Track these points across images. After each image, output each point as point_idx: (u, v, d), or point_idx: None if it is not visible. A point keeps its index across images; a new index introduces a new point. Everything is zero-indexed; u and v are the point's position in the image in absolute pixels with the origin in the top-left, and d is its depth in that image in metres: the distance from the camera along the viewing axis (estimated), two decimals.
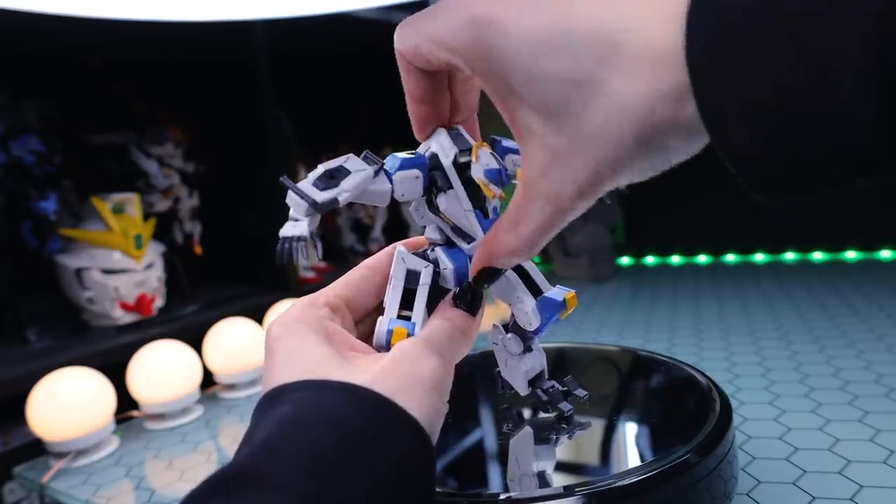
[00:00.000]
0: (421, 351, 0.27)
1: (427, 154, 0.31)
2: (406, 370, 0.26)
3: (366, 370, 0.26)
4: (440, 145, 0.30)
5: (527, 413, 0.47)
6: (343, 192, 0.27)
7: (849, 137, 0.18)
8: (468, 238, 0.31)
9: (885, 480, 0.43)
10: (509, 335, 0.38)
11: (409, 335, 0.29)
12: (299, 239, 0.26)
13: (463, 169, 0.30)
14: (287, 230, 0.26)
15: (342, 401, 0.25)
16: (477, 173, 0.29)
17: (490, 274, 0.28)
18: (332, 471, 0.22)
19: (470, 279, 0.29)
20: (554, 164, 0.23)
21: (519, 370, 0.39)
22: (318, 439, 0.23)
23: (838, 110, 0.17)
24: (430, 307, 0.31)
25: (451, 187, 0.30)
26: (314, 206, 0.26)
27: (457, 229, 0.31)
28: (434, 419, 0.26)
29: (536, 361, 0.40)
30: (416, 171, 0.30)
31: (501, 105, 0.24)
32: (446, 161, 0.30)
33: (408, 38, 0.26)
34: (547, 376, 0.41)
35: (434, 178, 0.31)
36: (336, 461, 0.23)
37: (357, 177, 0.28)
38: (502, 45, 0.22)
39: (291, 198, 0.27)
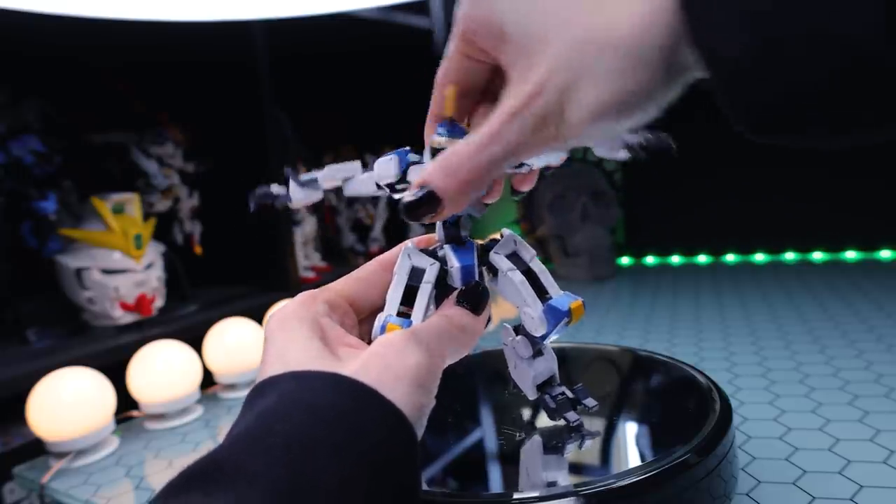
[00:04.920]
0: (404, 344, 0.27)
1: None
2: (387, 362, 0.26)
3: (349, 363, 0.26)
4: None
5: (529, 414, 0.47)
6: (314, 174, 0.33)
7: (853, 41, 0.15)
8: None
9: (885, 480, 0.43)
10: (519, 338, 0.38)
11: None
12: (266, 193, 0.33)
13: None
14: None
15: (322, 389, 0.25)
16: (433, 139, 0.30)
17: (418, 202, 0.26)
18: (306, 459, 0.22)
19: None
20: (512, 86, 0.24)
21: (527, 374, 0.39)
22: (294, 428, 0.23)
23: (842, 8, 0.15)
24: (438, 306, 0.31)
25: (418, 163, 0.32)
26: (293, 179, 0.32)
27: None
28: (415, 413, 0.26)
29: (546, 366, 0.39)
30: (392, 155, 0.31)
31: (500, 51, 0.25)
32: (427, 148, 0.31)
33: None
34: (558, 381, 0.40)
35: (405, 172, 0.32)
36: (311, 449, 0.22)
37: (337, 164, 0.32)
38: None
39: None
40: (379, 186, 0.32)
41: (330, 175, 0.33)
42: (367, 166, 0.33)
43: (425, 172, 0.26)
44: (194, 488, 0.22)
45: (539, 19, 0.23)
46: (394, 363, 0.26)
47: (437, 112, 0.31)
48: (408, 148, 0.32)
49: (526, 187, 0.34)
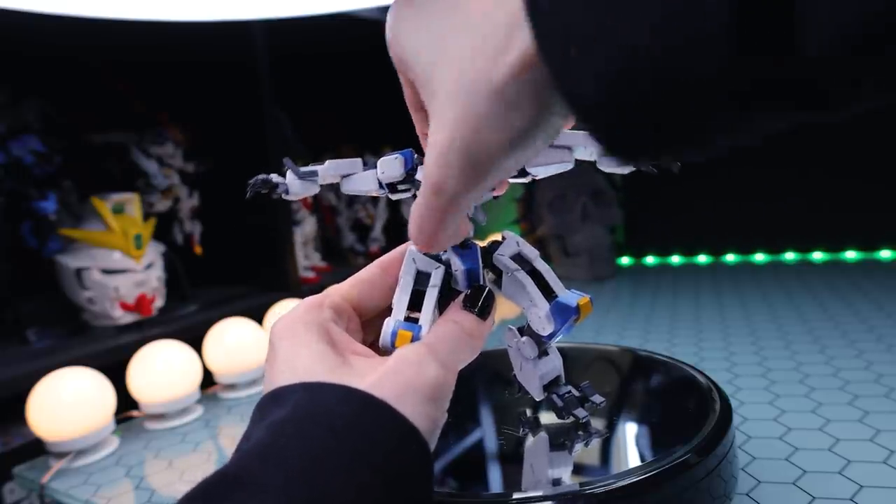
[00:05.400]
0: (422, 358, 0.27)
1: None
2: (404, 377, 0.26)
3: (364, 375, 0.26)
4: None
5: (530, 413, 0.47)
6: (314, 166, 0.32)
7: (706, 62, 0.16)
8: None
9: (885, 480, 0.43)
10: (524, 338, 0.37)
11: (413, 339, 0.29)
12: (265, 180, 0.32)
13: None
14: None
15: (336, 404, 0.24)
16: None
17: None
18: (321, 475, 0.22)
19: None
20: (429, 140, 0.24)
21: (534, 375, 0.38)
22: (309, 443, 0.23)
23: (694, 33, 0.16)
24: (442, 308, 0.31)
25: None
26: (293, 171, 0.32)
27: None
28: (430, 428, 0.26)
29: (552, 366, 0.39)
30: (397, 155, 0.31)
31: (415, 85, 0.26)
32: None
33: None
34: (564, 381, 0.40)
35: (410, 172, 0.31)
36: (326, 465, 0.23)
37: (339, 160, 0.32)
38: (401, 29, 0.25)
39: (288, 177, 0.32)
40: (380, 185, 0.32)
41: (330, 170, 0.33)
42: (367, 164, 0.33)
43: (411, 237, 0.27)
44: (210, 499, 0.22)
45: (429, 69, 0.23)
46: (409, 379, 0.26)
47: (421, 131, 0.31)
48: (411, 149, 0.32)
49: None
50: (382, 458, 0.23)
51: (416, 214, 0.26)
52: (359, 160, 0.33)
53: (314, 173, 0.32)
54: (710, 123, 0.18)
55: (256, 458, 0.23)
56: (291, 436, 0.23)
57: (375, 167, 0.32)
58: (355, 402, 0.25)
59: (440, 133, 0.23)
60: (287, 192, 0.33)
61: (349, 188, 0.33)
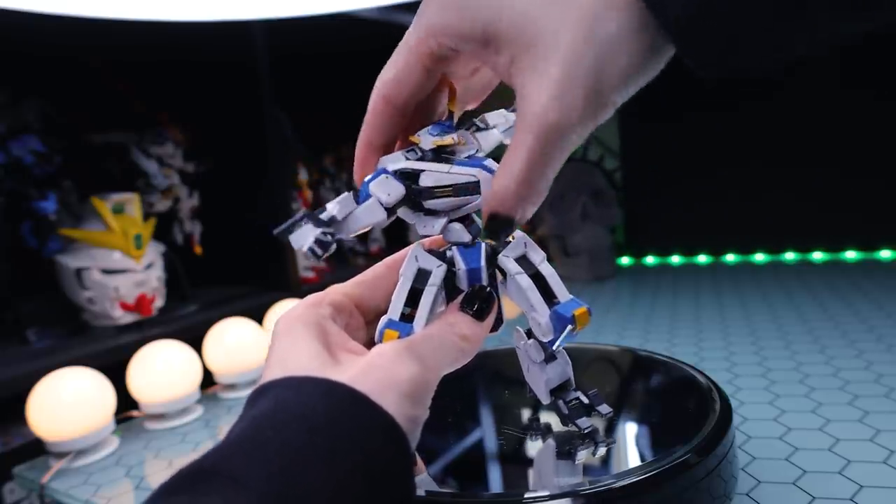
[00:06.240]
0: (398, 355, 0.27)
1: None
2: (382, 372, 0.26)
3: (346, 370, 0.26)
4: (384, 163, 0.30)
5: (529, 414, 0.47)
6: (329, 212, 0.28)
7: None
8: (472, 191, 0.29)
9: (885, 480, 0.43)
10: (530, 341, 0.37)
11: (400, 338, 0.29)
12: (302, 218, 0.27)
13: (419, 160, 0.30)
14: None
15: (317, 397, 0.25)
16: (426, 143, 0.30)
17: (498, 223, 0.27)
18: (298, 467, 0.22)
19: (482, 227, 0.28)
20: (532, 83, 0.24)
21: (540, 378, 0.38)
22: (288, 435, 0.23)
23: None
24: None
25: (422, 171, 0.30)
26: (311, 218, 0.27)
27: (459, 188, 0.29)
28: (408, 425, 0.26)
29: (559, 371, 0.38)
30: (382, 175, 0.29)
31: (490, 56, 0.26)
32: (399, 163, 0.30)
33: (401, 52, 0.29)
34: (573, 386, 0.39)
35: (407, 186, 0.30)
36: (304, 457, 0.23)
37: (335, 200, 0.29)
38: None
39: (295, 234, 0.27)
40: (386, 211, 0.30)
41: (340, 209, 0.29)
42: (349, 191, 0.30)
43: (497, 201, 0.26)
44: (186, 491, 0.22)
45: (539, 12, 0.24)
46: (387, 374, 0.26)
47: (372, 136, 0.30)
48: (382, 167, 0.30)
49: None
50: (362, 453, 0.23)
51: (517, 164, 0.25)
52: (345, 194, 0.30)
53: (333, 219, 0.29)
54: (793, 24, 0.21)
55: (236, 450, 0.23)
56: (271, 429, 0.23)
57: (362, 201, 0.29)
58: (336, 395, 0.25)
59: (554, 69, 0.23)
60: (341, 235, 0.29)
61: (354, 227, 0.29)
